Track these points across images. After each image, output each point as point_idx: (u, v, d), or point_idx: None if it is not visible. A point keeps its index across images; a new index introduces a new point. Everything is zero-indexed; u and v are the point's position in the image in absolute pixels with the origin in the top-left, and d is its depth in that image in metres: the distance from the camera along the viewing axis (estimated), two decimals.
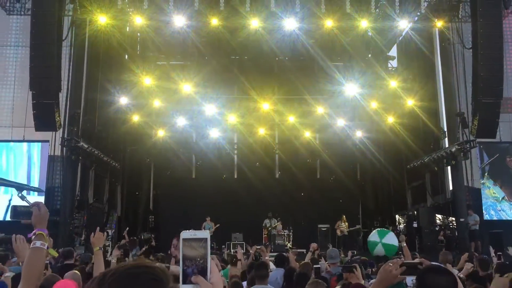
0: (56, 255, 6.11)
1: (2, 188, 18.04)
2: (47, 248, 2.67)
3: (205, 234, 1.70)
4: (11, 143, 18.79)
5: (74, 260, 7.27)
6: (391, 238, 10.03)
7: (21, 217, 2.93)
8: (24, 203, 2.87)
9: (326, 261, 8.99)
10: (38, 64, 13.74)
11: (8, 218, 17.32)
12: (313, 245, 10.17)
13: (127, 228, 16.57)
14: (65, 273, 5.16)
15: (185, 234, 1.68)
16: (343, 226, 19.09)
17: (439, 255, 7.16)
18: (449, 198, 16.42)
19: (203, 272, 1.65)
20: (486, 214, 18.68)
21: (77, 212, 15.47)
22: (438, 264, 5.00)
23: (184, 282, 1.63)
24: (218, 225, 18.83)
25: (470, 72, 15.27)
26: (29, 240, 2.80)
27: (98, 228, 2.81)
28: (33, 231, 2.67)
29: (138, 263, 1.55)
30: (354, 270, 5.27)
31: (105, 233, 17.06)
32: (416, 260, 3.35)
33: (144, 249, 15.53)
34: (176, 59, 21.36)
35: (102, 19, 15.64)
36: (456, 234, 15.82)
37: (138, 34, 20.63)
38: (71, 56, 15.27)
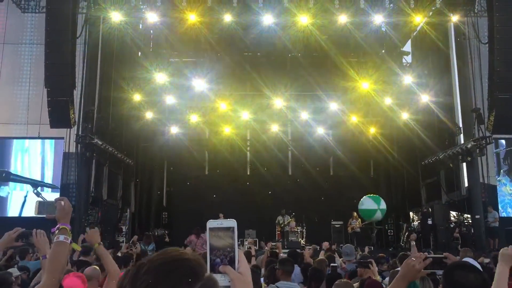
0: (79, 249, 6.20)
1: (18, 185, 18.29)
2: (70, 242, 2.70)
3: (231, 223, 1.65)
4: (26, 140, 18.99)
5: (92, 257, 7.30)
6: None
7: (46, 212, 2.96)
8: (48, 198, 2.92)
9: (340, 258, 8.97)
10: (53, 61, 13.84)
11: (23, 214, 17.55)
12: (325, 244, 10.18)
13: (135, 236, 16.51)
14: (80, 268, 5.19)
15: (211, 223, 1.64)
16: (354, 223, 18.96)
17: (459, 252, 7.03)
18: (465, 195, 16.24)
19: (231, 262, 1.61)
20: (503, 212, 18.45)
21: (91, 209, 15.59)
22: (465, 260, 4.91)
23: (211, 271, 1.59)
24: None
25: (486, 67, 15.04)
26: (51, 234, 2.83)
27: (88, 228, 2.85)
28: (57, 226, 2.70)
29: (173, 256, 1.51)
30: (370, 265, 5.22)
31: (120, 229, 17.22)
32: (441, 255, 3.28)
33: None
34: (189, 55, 21.38)
35: (115, 17, 15.71)
36: (472, 231, 15.65)
37: (151, 31, 20.71)
38: (85, 53, 15.37)
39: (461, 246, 15.21)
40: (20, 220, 16.05)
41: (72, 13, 14.21)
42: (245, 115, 20.57)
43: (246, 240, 18.31)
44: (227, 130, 21.24)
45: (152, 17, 16.71)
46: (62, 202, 2.78)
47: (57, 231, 2.69)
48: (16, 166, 18.80)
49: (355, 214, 19.03)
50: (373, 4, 15.80)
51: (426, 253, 2.78)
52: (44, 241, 3.33)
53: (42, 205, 3.04)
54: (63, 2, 13.96)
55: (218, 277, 1.59)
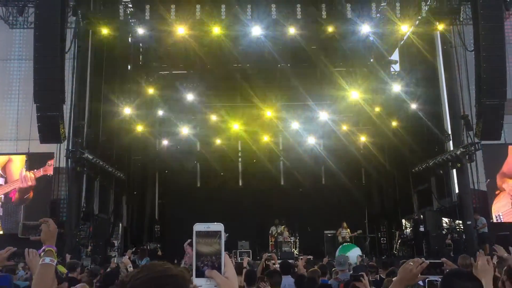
0: (65, 271, 6.13)
1: None
2: (56, 264, 2.69)
3: (219, 227, 1.63)
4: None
5: (79, 273, 7.25)
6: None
7: (30, 234, 2.94)
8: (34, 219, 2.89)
9: (333, 268, 8.98)
10: (42, 76, 13.81)
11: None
12: (304, 258, 10.38)
13: (133, 249, 16.43)
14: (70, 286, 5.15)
15: (198, 226, 1.62)
16: (344, 232, 19.02)
17: (458, 258, 7.00)
18: (455, 201, 16.33)
19: (218, 268, 1.60)
20: (497, 217, 18.58)
21: (82, 224, 15.48)
22: (462, 269, 4.94)
23: (197, 276, 1.58)
24: (227, 234, 18.78)
25: (473, 74, 15.23)
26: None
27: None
28: (42, 248, 2.69)
29: (155, 273, 1.49)
30: (362, 279, 5.26)
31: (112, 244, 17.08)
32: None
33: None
34: (178, 68, 21.44)
35: (104, 31, 15.73)
36: (464, 237, 15.73)
37: (141, 44, 20.75)
38: (74, 68, 15.34)
39: (453, 253, 15.28)
40: (13, 238, 15.89)
41: (61, 28, 14.20)
42: (236, 126, 20.61)
43: (238, 252, 18.29)
44: (218, 142, 21.25)
45: (141, 30, 16.75)
46: (47, 224, 2.76)
47: (43, 253, 2.68)
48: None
49: (344, 224, 19.10)
50: (360, 14, 15.96)
51: (423, 258, 2.81)
52: (37, 261, 3.31)
53: (26, 227, 3.02)
54: (52, 17, 13.96)
55: (204, 281, 1.58)
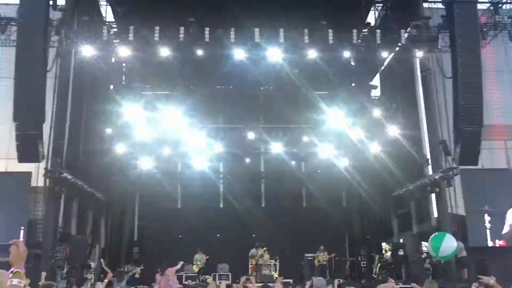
0: None
1: None
2: (24, 286, 2.65)
3: None
4: None
5: None
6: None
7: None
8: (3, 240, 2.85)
9: None
10: (22, 95, 13.70)
11: None
12: (279, 279, 10.47)
13: (101, 259, 16.35)
14: None
15: None
16: (321, 256, 19.04)
17: (425, 283, 7.08)
18: (434, 226, 16.46)
19: None
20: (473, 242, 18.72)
21: (59, 245, 15.18)
22: None
23: None
24: (207, 257, 18.64)
25: (451, 100, 15.56)
26: None
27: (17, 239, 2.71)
28: (11, 269, 2.66)
29: None
30: None
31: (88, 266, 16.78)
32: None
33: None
34: (161, 89, 21.45)
35: (87, 51, 15.71)
36: (442, 262, 15.81)
37: (124, 64, 20.75)
38: (56, 87, 15.24)
39: (432, 277, 15.34)
40: None
41: (43, 47, 14.16)
42: (218, 148, 20.61)
43: (218, 275, 18.11)
44: (199, 163, 21.19)
45: (124, 51, 16.77)
46: (17, 246, 2.72)
47: (11, 274, 2.64)
48: None
49: (322, 247, 19.12)
50: (342, 40, 16.25)
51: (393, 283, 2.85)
52: (7, 283, 3.26)
53: None
54: (34, 36, 13.93)
55: None
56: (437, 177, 15.87)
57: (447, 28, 16.15)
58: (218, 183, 22.41)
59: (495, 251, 18.19)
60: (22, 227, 16.69)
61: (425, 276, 15.44)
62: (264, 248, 19.26)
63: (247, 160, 21.61)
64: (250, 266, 19.26)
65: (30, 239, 16.50)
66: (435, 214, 16.59)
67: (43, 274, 10.19)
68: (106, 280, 8.97)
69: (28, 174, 17.36)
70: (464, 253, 15.93)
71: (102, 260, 15.92)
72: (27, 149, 13.85)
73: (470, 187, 18.68)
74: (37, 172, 15.09)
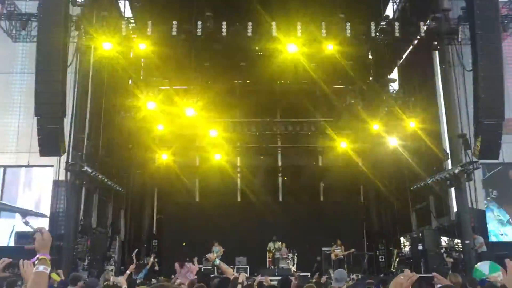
0: (59, 279, 6.12)
1: (7, 213, 18.10)
2: (50, 272, 2.73)
3: None
4: (16, 169, 18.89)
5: (81, 286, 7.25)
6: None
7: (24, 242, 3.00)
8: (28, 229, 2.93)
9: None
10: (43, 90, 13.91)
11: (12, 243, 17.33)
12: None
13: (136, 250, 16.62)
14: None
15: None
16: (338, 250, 19.00)
17: (448, 276, 6.99)
18: (454, 220, 16.33)
19: None
20: (493, 236, 18.52)
21: (80, 237, 15.46)
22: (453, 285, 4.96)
23: None
24: (223, 249, 18.78)
25: (471, 93, 15.34)
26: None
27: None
28: (36, 256, 2.74)
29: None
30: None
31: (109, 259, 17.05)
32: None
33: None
34: (179, 83, 21.56)
35: (106, 46, 15.88)
36: (462, 256, 15.69)
37: (142, 59, 20.92)
38: (76, 81, 15.47)
39: (451, 272, 15.22)
40: (8, 250, 15.84)
41: (63, 42, 14.35)
42: (236, 141, 20.67)
43: (236, 268, 18.20)
44: (217, 157, 21.30)
45: (143, 45, 16.90)
46: (41, 233, 2.81)
47: (37, 261, 2.73)
48: (4, 194, 18.64)
49: (339, 241, 19.09)
50: (359, 33, 16.13)
51: (414, 273, 2.86)
52: (31, 271, 3.35)
53: (21, 235, 3.09)
54: (54, 31, 14.11)
55: None
56: (456, 171, 15.71)
57: (467, 20, 15.89)
58: (235, 177, 22.50)
59: None
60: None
61: (445, 271, 15.33)
62: (281, 242, 19.32)
63: (264, 154, 21.63)
64: (268, 259, 19.35)
65: (52, 231, 16.84)
66: (455, 209, 16.44)
67: (60, 272, 10.34)
68: (127, 272, 9.11)
69: (50, 168, 17.67)
70: (484, 248, 15.78)
71: (135, 251, 16.23)
72: (49, 143, 14.07)
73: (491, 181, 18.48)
74: (58, 165, 15.33)
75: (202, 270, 18.00)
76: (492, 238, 18.32)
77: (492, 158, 15.82)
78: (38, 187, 18.71)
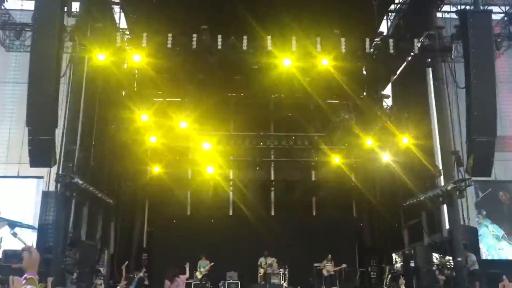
0: None
1: None
2: None
3: None
4: (4, 179, 18.67)
5: None
6: None
7: (12, 261, 2.89)
8: (16, 246, 2.83)
9: None
10: (35, 100, 13.78)
11: None
12: None
13: (126, 262, 16.43)
14: None
15: None
16: (329, 265, 18.89)
17: None
18: (446, 237, 16.29)
19: None
20: (488, 255, 18.54)
21: (69, 250, 15.21)
22: None
23: None
24: (212, 263, 18.58)
25: (464, 110, 15.41)
26: None
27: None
28: (24, 276, 2.64)
29: None
30: None
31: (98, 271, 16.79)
32: None
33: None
34: (173, 95, 21.52)
35: (100, 57, 15.82)
36: (454, 274, 15.61)
37: (136, 71, 20.86)
38: (69, 92, 15.35)
39: None
40: None
41: (57, 53, 14.27)
42: (229, 155, 20.59)
43: (226, 283, 18.03)
44: (210, 170, 21.18)
45: (137, 57, 16.86)
46: (29, 252, 2.72)
47: (24, 281, 2.63)
48: None
49: (329, 256, 19.00)
50: (354, 49, 16.20)
51: None
52: None
53: (8, 255, 2.99)
54: (48, 42, 14.04)
55: None
56: (449, 188, 15.71)
57: (460, 38, 16.03)
58: (227, 191, 22.38)
59: (508, 264, 17.94)
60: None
61: None
62: (273, 258, 19.15)
63: (257, 168, 21.55)
64: (259, 274, 19.17)
65: (41, 243, 16.61)
66: (447, 226, 16.41)
67: (49, 280, 10.18)
68: (118, 287, 8.97)
69: (40, 179, 17.48)
70: (476, 266, 15.74)
71: (125, 264, 16.06)
72: (39, 154, 13.91)
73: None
74: (48, 176, 15.15)
75: (193, 284, 17.81)
76: (492, 253, 18.40)
77: (484, 176, 15.86)
78: (24, 198, 18.48)
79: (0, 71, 19.53)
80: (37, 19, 14.39)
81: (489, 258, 18.43)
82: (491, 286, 14.90)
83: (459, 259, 15.31)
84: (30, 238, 15.59)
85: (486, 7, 16.51)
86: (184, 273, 14.39)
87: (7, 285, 3.26)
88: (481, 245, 18.68)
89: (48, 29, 14.15)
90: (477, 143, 14.75)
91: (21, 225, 3.09)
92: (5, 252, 13.99)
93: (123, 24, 19.52)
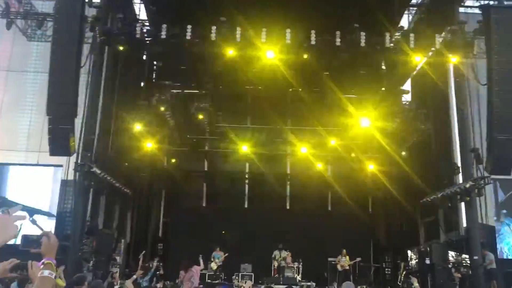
0: (63, 285, 6.08)
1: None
2: (55, 277, 2.68)
3: None
4: (24, 167, 18.97)
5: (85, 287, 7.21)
6: None
7: (31, 246, 2.94)
8: (35, 231, 2.87)
9: None
10: (56, 89, 13.95)
11: (18, 242, 17.35)
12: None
13: (144, 252, 16.63)
14: None
15: None
16: (344, 260, 18.84)
17: None
18: (463, 235, 16.11)
19: None
20: (508, 254, 18.35)
21: (86, 238, 15.42)
22: None
23: None
24: (226, 254, 18.68)
25: (484, 108, 15.18)
26: None
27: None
28: (42, 260, 2.69)
29: None
30: None
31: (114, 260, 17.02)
32: None
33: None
34: (190, 87, 21.59)
35: (120, 48, 15.92)
36: (470, 272, 15.46)
37: (155, 62, 20.98)
38: (88, 82, 15.51)
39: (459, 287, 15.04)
40: (15, 250, 15.84)
41: (78, 43, 14.41)
42: (245, 148, 20.62)
43: (240, 275, 18.13)
44: (226, 163, 21.26)
45: (156, 48, 16.92)
46: (48, 237, 2.76)
47: (42, 266, 2.68)
48: (12, 193, 18.70)
49: (344, 251, 18.94)
50: (374, 43, 16.04)
51: None
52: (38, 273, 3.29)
53: (28, 239, 3.03)
54: (70, 32, 14.17)
55: None
56: (467, 185, 15.51)
57: (483, 34, 15.76)
58: (243, 183, 22.44)
59: None
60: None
61: (452, 286, 15.14)
62: (287, 251, 19.19)
63: (274, 161, 21.55)
64: (273, 267, 19.23)
65: (59, 231, 16.86)
66: (464, 224, 16.23)
67: (61, 268, 10.30)
68: (134, 277, 9.07)
69: (57, 168, 17.73)
70: (493, 265, 15.56)
71: (142, 253, 16.28)
72: (59, 142, 14.09)
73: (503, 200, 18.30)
74: (67, 165, 15.34)
75: (207, 275, 17.94)
76: None
77: (504, 174, 15.64)
78: (41, 186, 18.76)
79: (21, 61, 19.77)
80: (58, 9, 14.54)
81: (510, 257, 18.17)
82: (508, 285, 14.75)
83: (475, 257, 15.14)
84: (48, 226, 15.80)
85: (510, 2, 16.17)
86: (199, 265, 14.49)
87: (25, 269, 3.32)
88: (501, 245, 18.44)
89: (69, 19, 14.29)
90: (498, 141, 14.52)
91: (40, 212, 3.13)
92: (25, 237, 14.21)
93: (143, 15, 19.61)
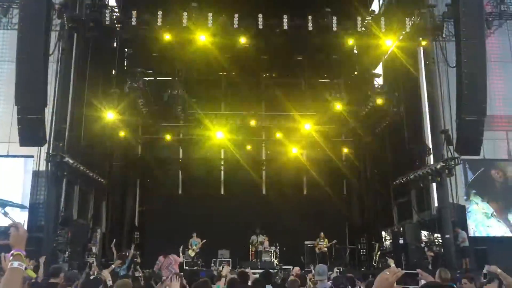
0: (34, 275, 6.01)
1: None
2: (25, 268, 2.66)
3: None
4: None
5: (63, 279, 7.13)
6: None
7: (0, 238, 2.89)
8: (7, 220, 2.82)
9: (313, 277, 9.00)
10: (24, 79, 13.64)
11: None
12: (296, 270, 10.26)
13: (114, 240, 16.48)
14: None
15: None
16: (322, 243, 19.15)
17: (438, 272, 6.93)
18: (435, 215, 16.51)
19: None
20: (475, 231, 18.88)
21: (61, 229, 15.23)
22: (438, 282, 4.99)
23: None
24: (204, 240, 18.71)
25: (454, 90, 15.49)
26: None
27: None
28: (11, 252, 2.66)
29: None
30: None
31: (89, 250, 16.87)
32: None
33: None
34: (163, 74, 21.37)
35: (89, 35, 15.61)
36: (442, 251, 15.88)
37: (126, 49, 20.65)
38: (58, 71, 15.18)
39: (431, 266, 15.43)
40: None
41: (45, 30, 14.07)
42: (219, 134, 20.57)
43: (218, 261, 18.21)
44: (201, 150, 21.20)
45: (126, 35, 16.67)
46: (16, 228, 2.73)
47: (11, 257, 2.65)
48: None
49: (322, 234, 19.22)
50: (346, 27, 16.14)
51: (399, 269, 2.81)
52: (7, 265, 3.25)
53: None
54: (36, 19, 13.83)
55: None
56: (438, 166, 15.87)
57: (451, 17, 16.01)
58: (219, 170, 22.44)
59: (495, 241, 18.29)
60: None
61: (425, 265, 15.53)
62: (264, 235, 19.35)
63: (249, 147, 21.59)
64: (250, 252, 19.37)
65: (32, 223, 16.61)
66: (436, 204, 16.63)
67: (42, 258, 10.21)
68: (113, 266, 9.02)
69: (27, 158, 17.39)
70: (466, 243, 16.01)
71: (114, 242, 16.18)
72: (29, 132, 13.84)
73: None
74: (38, 156, 15.06)
75: (185, 262, 17.95)
76: (480, 229, 18.77)
77: (473, 154, 16.05)
78: (11, 177, 18.36)
79: None
80: None
81: (477, 235, 18.73)
82: (478, 262, 15.21)
83: (447, 236, 15.56)
84: (21, 217, 15.56)
85: None
86: (178, 255, 14.46)
87: None
88: (469, 222, 18.98)
89: (35, 6, 13.94)
90: (467, 122, 14.88)
91: (12, 204, 3.07)
92: None
93: (112, 1, 19.22)
